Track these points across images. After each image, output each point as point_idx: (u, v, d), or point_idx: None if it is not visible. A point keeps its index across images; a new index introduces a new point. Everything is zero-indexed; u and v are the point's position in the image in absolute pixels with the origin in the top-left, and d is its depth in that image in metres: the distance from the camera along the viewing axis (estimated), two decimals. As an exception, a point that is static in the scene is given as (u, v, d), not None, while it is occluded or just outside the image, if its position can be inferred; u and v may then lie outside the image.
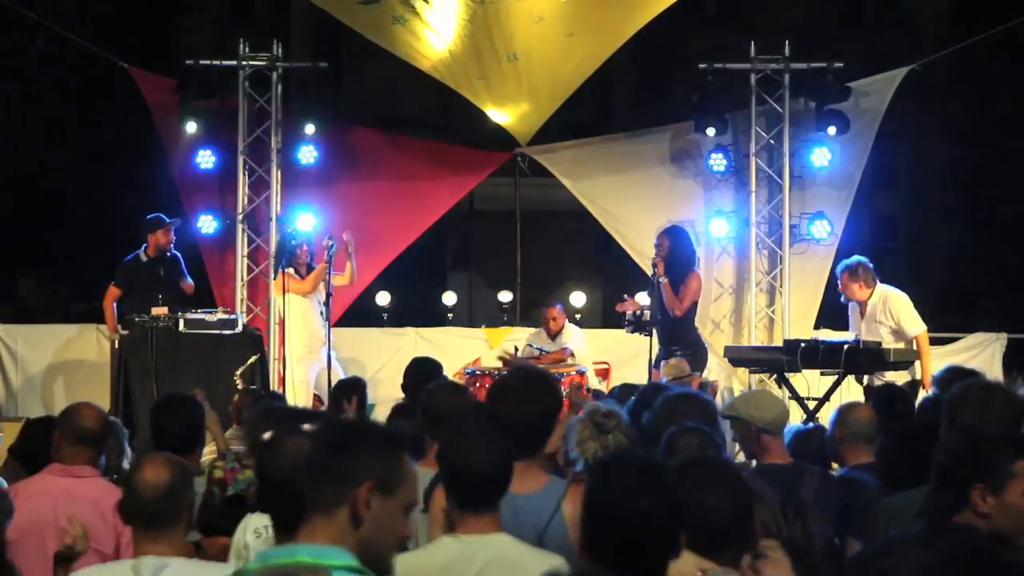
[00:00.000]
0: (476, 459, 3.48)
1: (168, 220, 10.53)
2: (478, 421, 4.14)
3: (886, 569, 2.37)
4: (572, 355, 10.51)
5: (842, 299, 9.41)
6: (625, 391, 6.27)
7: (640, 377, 9.78)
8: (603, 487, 2.88)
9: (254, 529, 3.92)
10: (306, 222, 11.01)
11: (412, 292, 13.26)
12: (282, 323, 10.42)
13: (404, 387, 6.39)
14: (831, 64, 11.10)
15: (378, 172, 11.88)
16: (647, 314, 9.56)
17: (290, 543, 2.56)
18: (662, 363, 8.83)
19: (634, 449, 4.16)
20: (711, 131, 11.30)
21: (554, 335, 10.78)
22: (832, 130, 11.10)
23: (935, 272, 17.45)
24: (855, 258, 9.32)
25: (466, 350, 11.49)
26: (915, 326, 9.09)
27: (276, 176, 11.44)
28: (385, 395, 9.92)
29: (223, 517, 4.18)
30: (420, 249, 12.42)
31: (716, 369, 10.91)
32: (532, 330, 11.27)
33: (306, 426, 2.99)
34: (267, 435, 3.10)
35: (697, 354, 9.37)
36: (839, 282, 9.34)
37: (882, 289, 9.22)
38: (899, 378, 8.82)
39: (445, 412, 4.82)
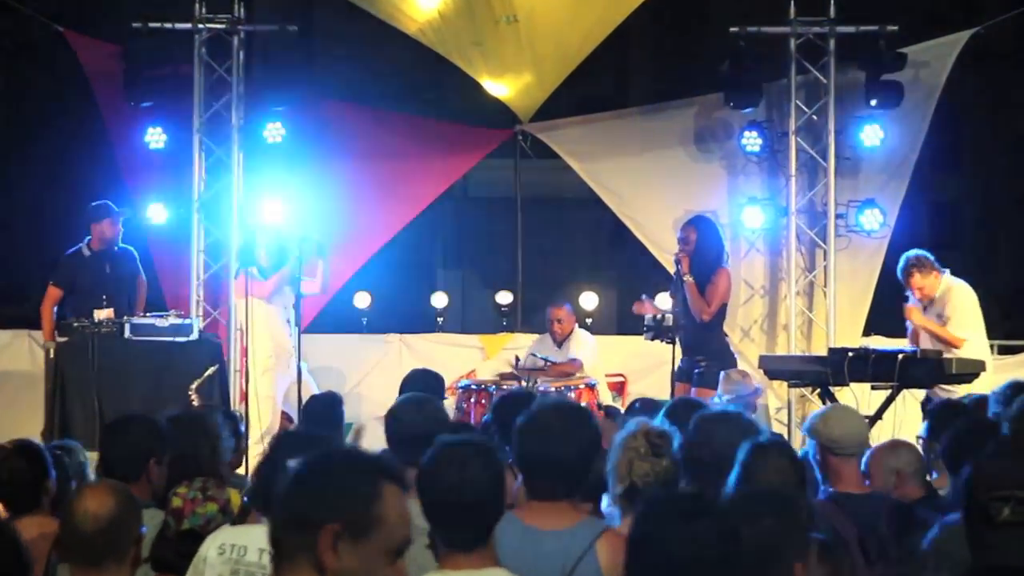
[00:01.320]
0: (458, 485, 3.40)
1: (116, 209, 10.53)
2: (458, 436, 4.12)
3: None
4: (581, 366, 10.50)
5: (912, 301, 9.47)
6: (647, 406, 6.23)
7: (661, 391, 9.77)
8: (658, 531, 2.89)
9: (219, 545, 4.00)
10: (273, 211, 10.98)
11: (396, 293, 13.25)
12: (244, 329, 10.41)
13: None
14: (883, 28, 11.09)
15: (356, 153, 11.87)
16: (669, 318, 9.55)
17: None
18: (721, 376, 8.81)
19: (677, 478, 4.17)
20: (742, 104, 11.29)
21: (561, 340, 10.77)
22: (884, 104, 11.10)
23: (1003, 269, 17.45)
24: (913, 252, 9.43)
25: (459, 360, 11.49)
26: (959, 326, 9.25)
27: (238, 158, 11.43)
28: (366, 413, 9.92)
29: (175, 553, 4.20)
30: (405, 243, 12.42)
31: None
32: (535, 336, 11.27)
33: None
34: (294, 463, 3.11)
35: (725, 364, 9.36)
36: (908, 282, 9.43)
37: (948, 279, 9.46)
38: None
39: (414, 432, 4.82)
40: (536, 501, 3.86)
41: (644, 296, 9.86)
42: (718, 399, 8.48)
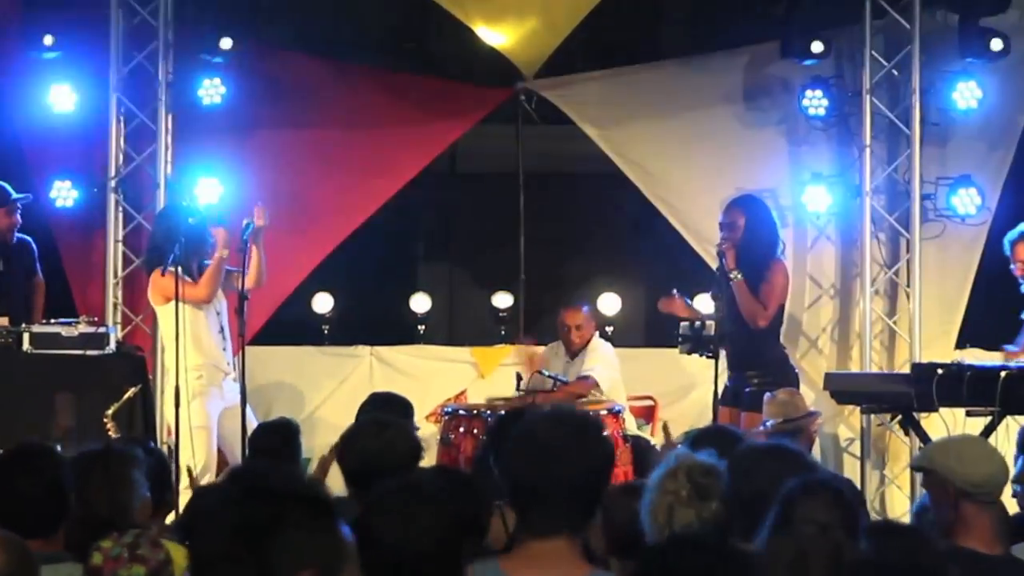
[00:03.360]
0: (400, 535, 3.45)
1: (14, 195, 10.52)
2: (406, 478, 4.12)
3: None
4: (597, 386, 10.48)
5: (1022, 286, 9.56)
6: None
7: (699, 418, 9.77)
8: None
9: None
10: (209, 191, 10.96)
11: (366, 294, 13.25)
12: (175, 340, 10.37)
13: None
14: (981, -42, 11.12)
15: (316, 117, 11.88)
16: (710, 326, 9.55)
17: None
18: (765, 398, 8.81)
19: (730, 524, 4.18)
20: (803, 56, 11.29)
21: (576, 351, 10.73)
22: (982, 56, 11.10)
23: None
24: None
25: (446, 378, 11.52)
26: None
27: (165, 122, 11.43)
28: (328, 444, 9.85)
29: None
30: (377, 230, 12.40)
31: (813, 406, 10.89)
32: (542, 348, 11.22)
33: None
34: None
35: (784, 382, 9.36)
36: (1013, 252, 9.52)
37: None
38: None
39: (370, 465, 4.83)
40: (531, 541, 3.81)
41: (675, 292, 9.80)
42: (762, 426, 8.49)
